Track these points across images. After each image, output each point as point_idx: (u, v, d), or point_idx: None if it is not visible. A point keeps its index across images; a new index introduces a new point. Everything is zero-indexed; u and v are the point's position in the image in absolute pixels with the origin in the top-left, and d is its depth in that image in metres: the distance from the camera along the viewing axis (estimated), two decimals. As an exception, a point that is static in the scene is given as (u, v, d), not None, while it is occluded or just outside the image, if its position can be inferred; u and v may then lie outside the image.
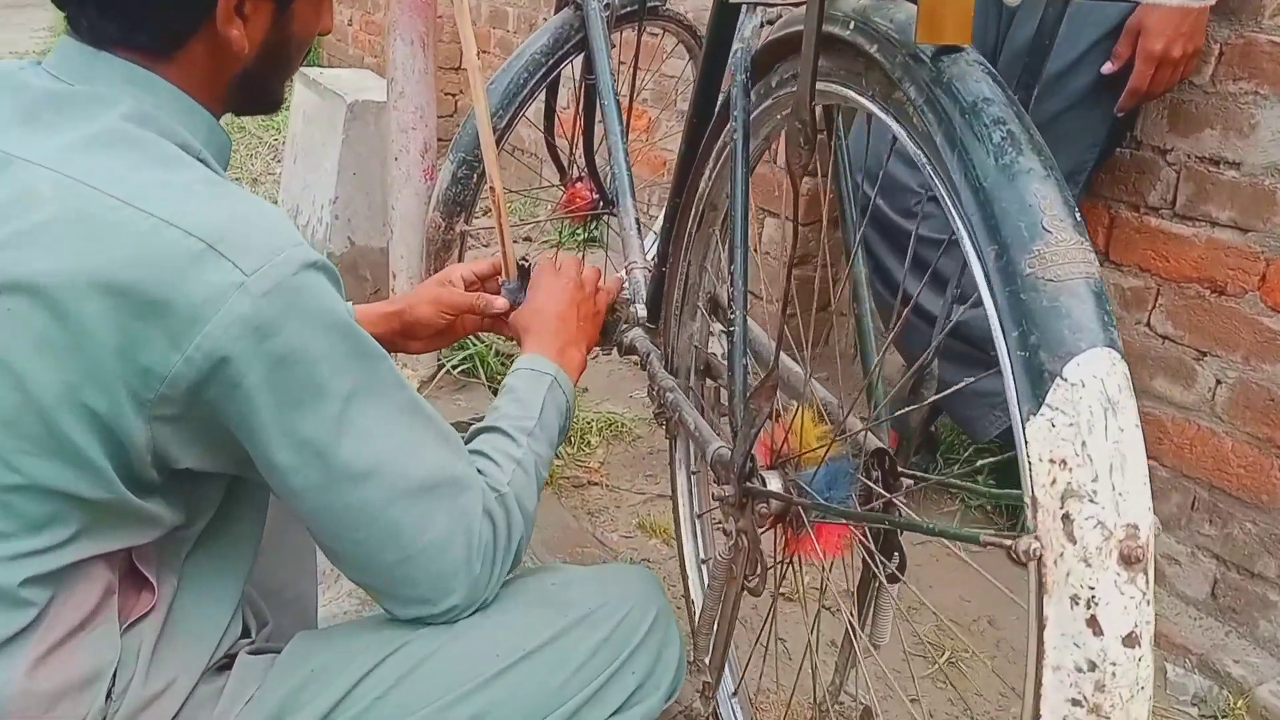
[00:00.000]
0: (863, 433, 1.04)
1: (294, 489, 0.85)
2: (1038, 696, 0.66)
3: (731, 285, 1.07)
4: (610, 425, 2.15)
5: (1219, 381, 1.67)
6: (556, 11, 2.01)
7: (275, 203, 3.05)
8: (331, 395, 0.83)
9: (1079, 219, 0.69)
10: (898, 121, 0.82)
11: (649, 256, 1.80)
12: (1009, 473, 1.80)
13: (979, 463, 2.03)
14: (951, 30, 0.73)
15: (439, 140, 2.15)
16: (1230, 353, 1.65)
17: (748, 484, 1.03)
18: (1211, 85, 1.64)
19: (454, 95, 4.37)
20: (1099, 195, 1.83)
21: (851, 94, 0.88)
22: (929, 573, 1.77)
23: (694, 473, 1.49)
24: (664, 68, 2.77)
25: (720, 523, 1.09)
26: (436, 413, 0.95)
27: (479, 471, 0.98)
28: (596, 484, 1.98)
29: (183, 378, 0.77)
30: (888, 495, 1.02)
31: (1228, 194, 1.63)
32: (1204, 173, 1.67)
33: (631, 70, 2.15)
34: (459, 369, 2.11)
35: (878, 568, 1.06)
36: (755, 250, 2.50)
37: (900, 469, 1.03)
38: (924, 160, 0.79)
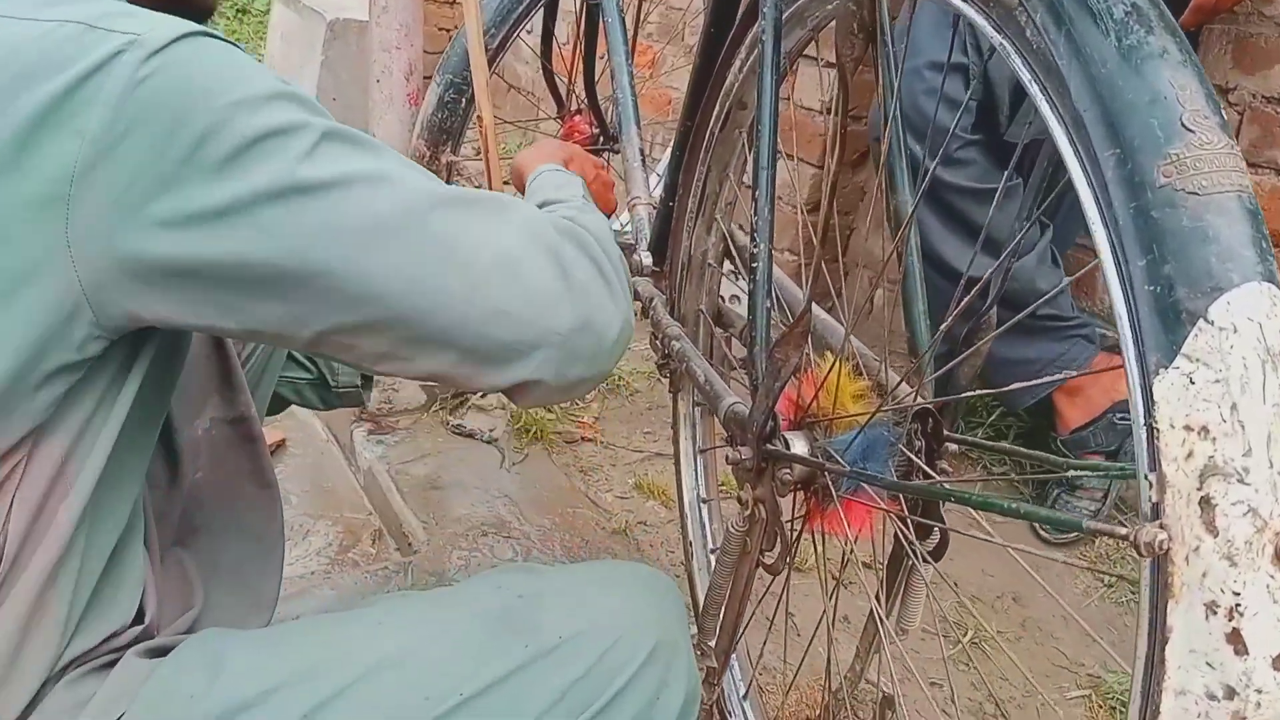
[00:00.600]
0: (910, 393, 0.89)
1: (295, 249, 0.65)
2: (1150, 728, 0.51)
3: (755, 215, 0.91)
4: (606, 380, 2.00)
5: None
6: (557, -80, 1.83)
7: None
8: (294, 132, 0.65)
9: (1224, 117, 0.54)
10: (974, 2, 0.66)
11: (654, 193, 1.64)
12: (1038, 443, 1.61)
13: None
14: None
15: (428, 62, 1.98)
16: (1291, 313, 1.50)
17: (768, 446, 0.88)
18: (1284, 15, 1.48)
19: (448, 30, 4.16)
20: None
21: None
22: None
23: (701, 451, 1.33)
24: (672, -2, 2.58)
25: (735, 491, 0.94)
26: None
27: None
28: (590, 440, 1.83)
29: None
30: (932, 471, 0.88)
31: (1297, 137, 1.48)
32: (1271, 114, 1.51)
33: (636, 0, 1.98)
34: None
35: (912, 547, 0.92)
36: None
37: (948, 434, 0.88)
38: (1010, 49, 0.64)
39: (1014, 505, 0.58)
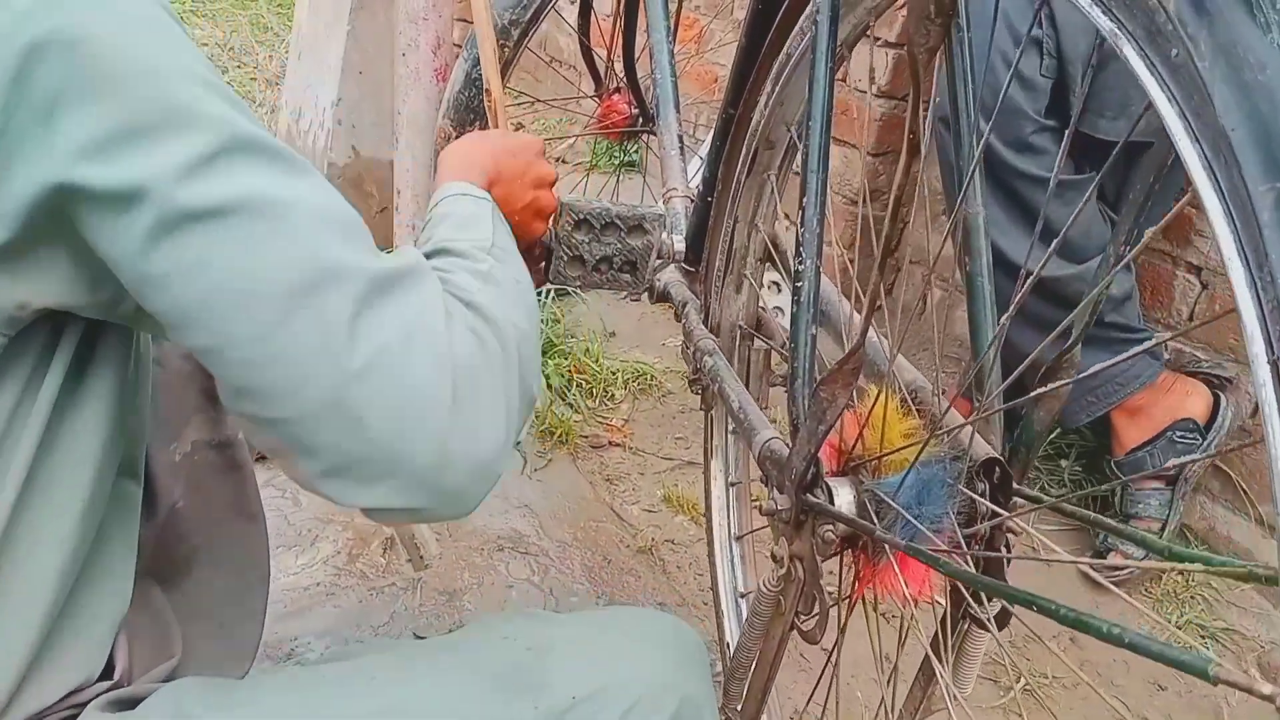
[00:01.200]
0: (969, 430, 0.77)
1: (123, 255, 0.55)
2: None
3: (801, 223, 0.79)
4: (638, 377, 1.88)
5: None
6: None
7: (275, 109, 2.78)
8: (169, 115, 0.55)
9: None
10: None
11: (693, 183, 1.52)
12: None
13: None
14: None
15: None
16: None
17: (809, 496, 0.76)
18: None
19: (491, 0, 4.04)
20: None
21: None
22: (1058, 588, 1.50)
23: (732, 484, 1.20)
24: (721, -30, 2.44)
25: (770, 543, 0.82)
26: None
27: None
28: (619, 445, 1.72)
29: None
30: (1000, 514, 0.75)
31: None
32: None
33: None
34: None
35: (971, 611, 0.80)
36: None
37: (1018, 486, 0.76)
38: (1131, 52, 0.51)
39: (1114, 629, 0.46)
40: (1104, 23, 0.54)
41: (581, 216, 1.15)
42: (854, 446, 0.80)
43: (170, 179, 0.54)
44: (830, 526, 0.74)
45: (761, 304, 1.21)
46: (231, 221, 0.55)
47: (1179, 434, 1.57)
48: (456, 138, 1.67)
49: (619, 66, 1.95)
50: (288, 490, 1.63)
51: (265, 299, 0.56)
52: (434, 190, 0.86)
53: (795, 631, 0.80)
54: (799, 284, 0.78)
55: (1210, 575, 1.53)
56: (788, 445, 0.83)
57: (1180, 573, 1.54)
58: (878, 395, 0.79)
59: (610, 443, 1.72)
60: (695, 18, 2.68)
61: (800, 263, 0.78)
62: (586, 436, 1.71)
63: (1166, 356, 1.59)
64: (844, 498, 0.77)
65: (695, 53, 2.67)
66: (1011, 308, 0.67)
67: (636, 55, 1.89)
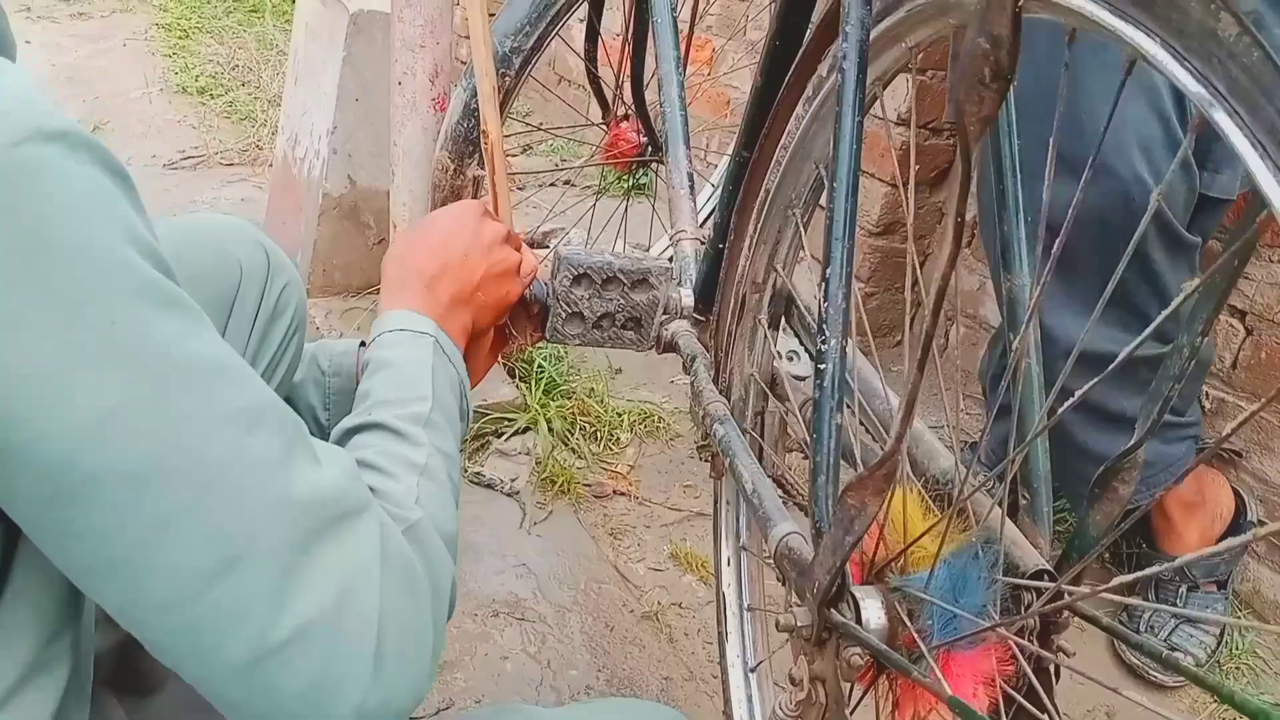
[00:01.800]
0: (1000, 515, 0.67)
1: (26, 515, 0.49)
2: None
3: (824, 297, 0.69)
4: (645, 419, 1.78)
5: None
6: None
7: (276, 130, 2.70)
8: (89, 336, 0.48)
9: None
10: (1183, 59, 0.44)
11: (702, 213, 1.43)
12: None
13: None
14: None
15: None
16: None
17: (833, 612, 0.66)
18: None
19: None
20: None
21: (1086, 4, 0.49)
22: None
23: (750, 609, 1.09)
24: (734, -11, 2.35)
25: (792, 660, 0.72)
26: (279, 401, 0.57)
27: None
28: (624, 494, 1.62)
29: None
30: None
31: None
32: None
33: (696, -12, 1.77)
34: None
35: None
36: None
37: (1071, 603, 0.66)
38: (1227, 122, 0.41)
39: None
40: (1197, 90, 0.44)
41: (581, 271, 1.06)
42: (876, 549, 0.70)
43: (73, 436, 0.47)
44: (857, 650, 0.64)
45: (777, 351, 1.11)
46: (142, 487, 0.48)
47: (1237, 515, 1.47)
48: (455, 171, 1.58)
49: (627, 92, 1.86)
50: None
51: (179, 573, 0.50)
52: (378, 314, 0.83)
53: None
54: (822, 365, 0.69)
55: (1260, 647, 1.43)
56: (807, 541, 0.74)
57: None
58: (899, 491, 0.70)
59: (615, 491, 1.62)
60: (708, 38, 2.59)
61: (824, 342, 0.68)
62: (589, 485, 1.62)
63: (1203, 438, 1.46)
64: (873, 612, 0.67)
65: (709, 75, 2.58)
66: (1075, 397, 0.57)
67: (646, 81, 1.81)
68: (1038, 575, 0.67)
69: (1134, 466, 0.66)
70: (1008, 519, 0.72)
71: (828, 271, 0.69)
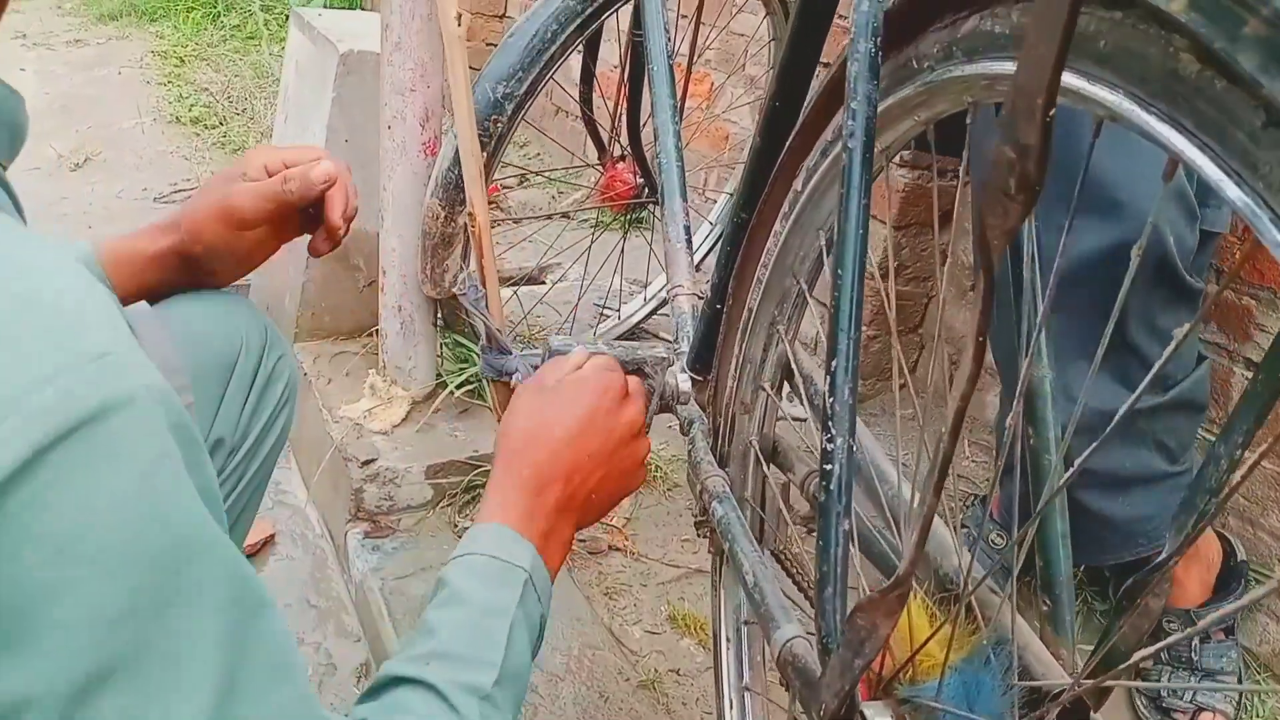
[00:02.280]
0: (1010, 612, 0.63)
1: None
2: None
3: (830, 391, 0.65)
4: (642, 469, 1.73)
5: None
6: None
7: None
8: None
9: None
10: (1225, 163, 0.40)
11: (700, 264, 1.38)
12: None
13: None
14: None
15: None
16: None
17: (843, 733, 0.61)
18: None
19: (475, 68, 3.95)
20: None
21: (1121, 101, 0.45)
22: None
23: (748, 689, 1.04)
24: (732, 23, 2.31)
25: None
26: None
27: None
28: (619, 550, 1.57)
29: None
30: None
31: None
32: None
33: (694, 25, 1.72)
34: (462, 388, 1.71)
35: None
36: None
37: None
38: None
39: None
40: (1237, 194, 0.40)
41: None
42: (882, 662, 0.65)
43: None
44: (869, 781, 0.60)
45: (780, 415, 1.07)
46: None
47: (1232, 565, 1.43)
48: (446, 218, 1.54)
49: (624, 134, 1.82)
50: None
51: None
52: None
53: None
54: (828, 466, 0.64)
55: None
56: (812, 647, 0.69)
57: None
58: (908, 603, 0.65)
59: (610, 547, 1.57)
60: (707, 73, 2.56)
61: (829, 440, 0.64)
62: (584, 540, 1.57)
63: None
64: (885, 736, 0.62)
65: (706, 110, 2.54)
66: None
67: (643, 122, 1.77)
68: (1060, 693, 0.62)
69: (1165, 580, 0.61)
70: (1028, 625, 0.67)
71: (833, 364, 0.64)
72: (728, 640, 1.04)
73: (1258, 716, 1.38)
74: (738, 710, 1.04)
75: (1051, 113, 0.40)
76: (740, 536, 0.85)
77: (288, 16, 5.05)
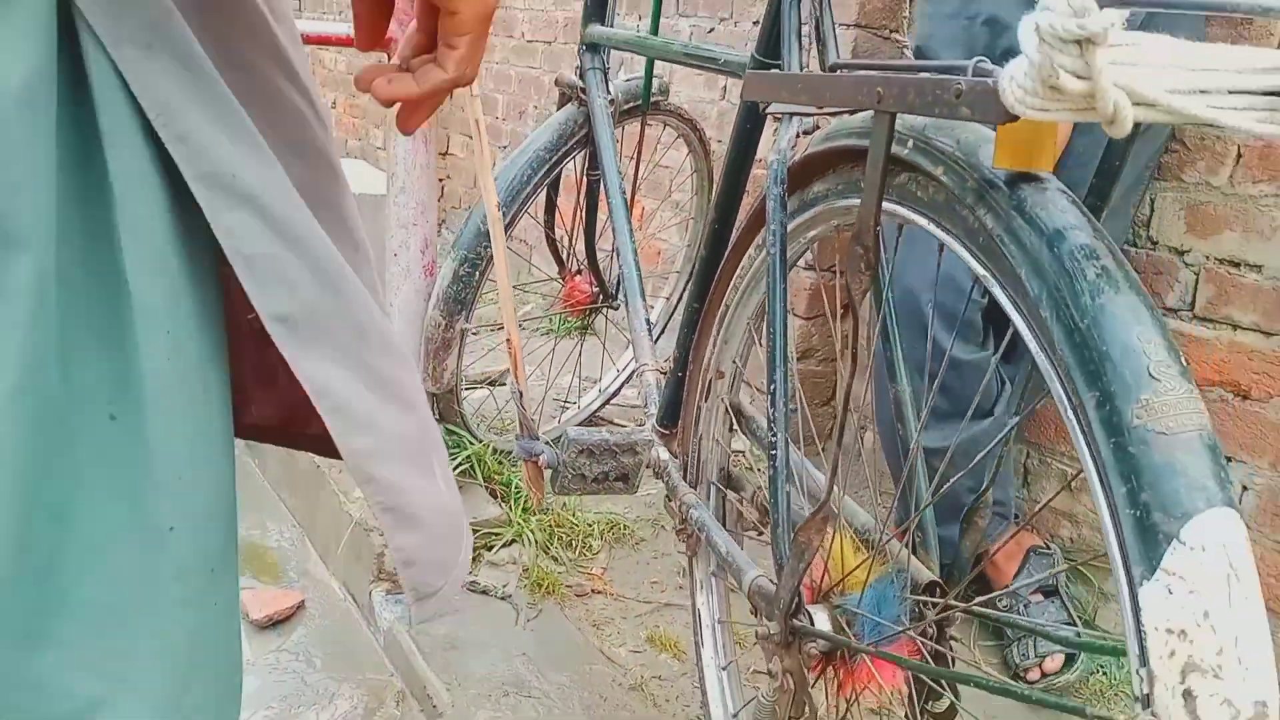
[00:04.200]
0: (906, 554, 0.98)
1: None
2: None
3: (771, 405, 1.01)
4: (612, 528, 2.07)
5: (1245, 488, 1.63)
6: (559, 106, 1.98)
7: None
8: None
9: (1184, 364, 0.65)
10: (968, 248, 0.78)
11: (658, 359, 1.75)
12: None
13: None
14: (1038, 157, 0.69)
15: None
16: (1257, 459, 1.61)
17: (795, 621, 0.96)
18: (1230, 186, 1.63)
19: (441, 180, 4.36)
20: (1114, 295, 1.81)
21: (913, 215, 0.84)
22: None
23: (721, 622, 1.40)
24: (662, 159, 2.75)
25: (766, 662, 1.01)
26: None
27: None
28: (601, 592, 1.89)
29: None
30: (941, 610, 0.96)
31: (1250, 297, 1.61)
32: (1224, 275, 1.64)
33: (635, 163, 2.13)
34: (457, 470, 2.03)
35: (921, 712, 1.00)
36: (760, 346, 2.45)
37: (957, 602, 0.97)
38: (999, 291, 0.75)
39: (1029, 692, 0.67)
40: (968, 258, 0.78)
41: (584, 446, 1.38)
42: (822, 580, 1.01)
43: None
44: (814, 643, 0.94)
45: (732, 452, 1.43)
46: None
47: (1036, 551, 1.84)
48: (445, 325, 1.89)
49: (580, 251, 2.20)
50: (300, 653, 1.77)
51: None
52: None
53: (790, 734, 1.00)
54: (773, 452, 1.00)
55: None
56: (772, 582, 1.04)
57: (1103, 672, 1.75)
58: (834, 536, 1.01)
59: (593, 590, 1.89)
60: (640, 200, 2.98)
61: (774, 435, 1.00)
62: (571, 585, 1.89)
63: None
64: (821, 619, 0.97)
65: (641, 230, 2.95)
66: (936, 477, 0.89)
67: (596, 239, 2.15)
68: (931, 586, 0.98)
69: (985, 506, 0.98)
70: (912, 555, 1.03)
71: (771, 389, 1.01)
72: (703, 604, 1.38)
73: (1115, 680, 1.74)
74: (716, 681, 1.37)
75: (879, 228, 0.78)
76: (713, 526, 1.20)
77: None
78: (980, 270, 0.77)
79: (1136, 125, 0.57)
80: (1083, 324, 0.65)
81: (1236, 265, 1.62)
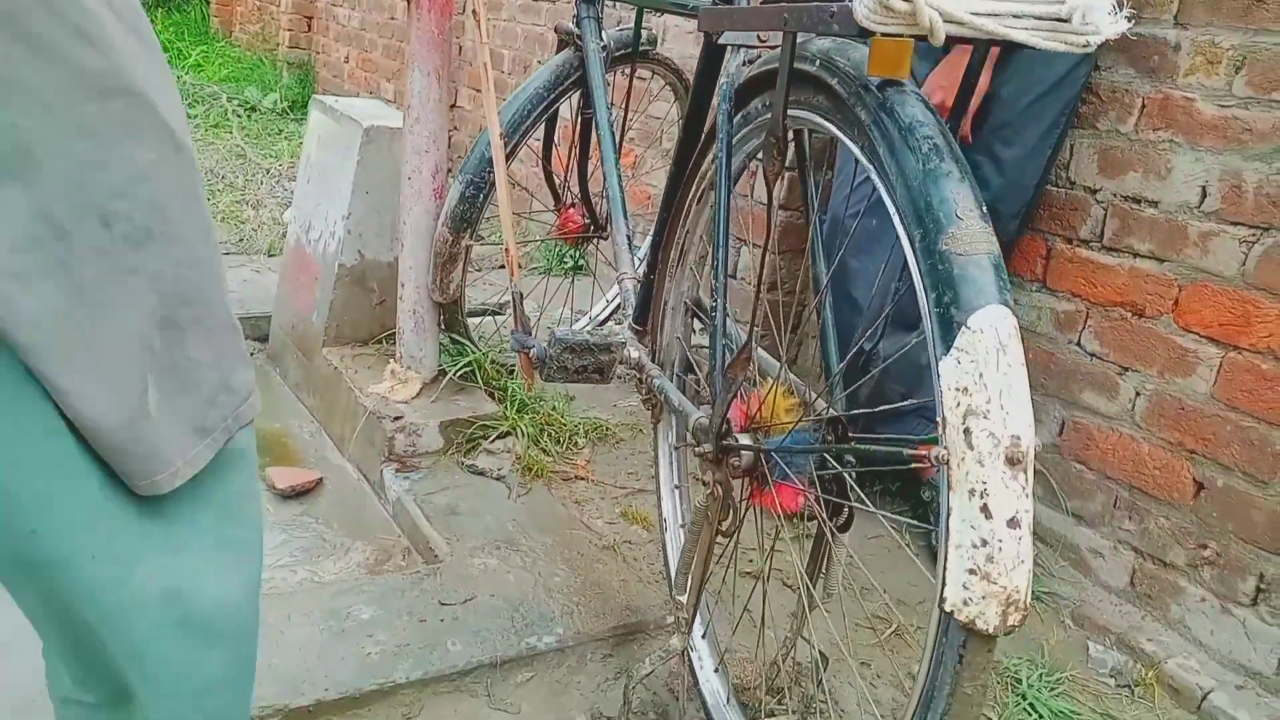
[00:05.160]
0: (823, 406, 1.24)
1: None
2: (944, 569, 0.86)
3: (715, 277, 1.27)
4: (596, 429, 2.34)
5: (1138, 393, 1.90)
6: (558, 51, 2.23)
7: (284, 221, 3.25)
8: None
9: (984, 211, 0.91)
10: (851, 139, 1.04)
11: (638, 270, 2.01)
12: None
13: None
14: (899, 68, 0.94)
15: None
16: (1148, 367, 1.88)
17: (724, 442, 1.23)
18: (1135, 133, 1.88)
19: (450, 133, 4.61)
20: (1038, 230, 2.07)
21: (817, 119, 1.09)
22: (881, 560, 1.96)
23: (674, 447, 1.68)
24: (651, 109, 3.00)
25: (700, 476, 1.28)
26: None
27: None
28: (583, 479, 2.16)
29: None
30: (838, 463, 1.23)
31: (1147, 229, 1.87)
32: (1127, 210, 1.90)
33: (623, 111, 2.38)
34: (459, 374, 2.30)
35: (827, 524, 1.26)
36: (733, 275, 2.70)
37: (850, 434, 1.23)
38: (868, 164, 1.01)
39: (871, 450, 0.94)
40: (867, 164, 1.04)
41: (568, 344, 1.64)
42: (755, 416, 1.27)
43: None
44: (736, 457, 1.21)
45: (692, 346, 1.70)
46: None
47: None
48: (453, 242, 2.15)
49: (574, 185, 2.46)
50: (319, 517, 2.05)
51: None
52: None
53: (716, 532, 1.26)
54: (714, 316, 1.26)
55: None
56: (707, 418, 1.30)
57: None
58: (770, 387, 1.27)
59: (576, 476, 2.16)
60: (630, 148, 3.23)
61: (714, 306, 1.26)
62: (557, 472, 2.16)
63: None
64: (746, 440, 1.24)
65: (632, 175, 3.21)
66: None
67: (589, 175, 2.40)
68: (833, 422, 1.24)
69: (878, 359, 1.24)
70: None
71: (714, 266, 1.27)
72: (662, 456, 1.66)
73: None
74: (671, 499, 1.64)
75: (785, 124, 1.04)
76: (669, 388, 1.47)
77: (253, 107, 5.65)
78: (858, 152, 1.03)
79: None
80: (914, 183, 0.92)
81: (1138, 202, 1.88)
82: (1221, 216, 1.75)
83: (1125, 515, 1.92)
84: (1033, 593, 1.88)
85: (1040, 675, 1.72)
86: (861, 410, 1.30)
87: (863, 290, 1.94)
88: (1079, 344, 2.00)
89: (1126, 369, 1.91)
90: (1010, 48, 0.88)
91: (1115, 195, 1.92)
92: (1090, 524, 1.98)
